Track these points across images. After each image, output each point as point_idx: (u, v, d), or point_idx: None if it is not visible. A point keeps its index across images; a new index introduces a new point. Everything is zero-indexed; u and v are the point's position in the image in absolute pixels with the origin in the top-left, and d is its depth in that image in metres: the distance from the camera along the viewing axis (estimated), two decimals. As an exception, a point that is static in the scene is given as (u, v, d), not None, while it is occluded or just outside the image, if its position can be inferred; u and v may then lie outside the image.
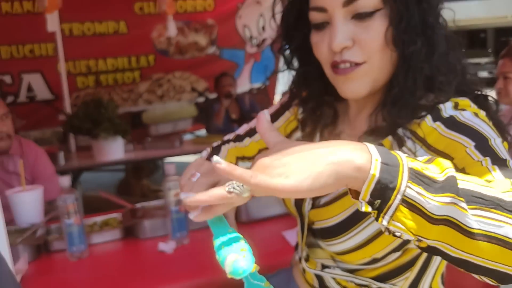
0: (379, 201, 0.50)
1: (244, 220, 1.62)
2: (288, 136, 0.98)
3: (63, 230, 1.43)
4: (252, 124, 1.06)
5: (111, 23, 4.28)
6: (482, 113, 0.73)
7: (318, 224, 0.86)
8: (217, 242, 0.61)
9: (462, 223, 0.49)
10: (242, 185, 0.52)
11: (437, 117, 0.74)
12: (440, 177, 0.50)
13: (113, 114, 3.15)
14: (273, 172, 0.50)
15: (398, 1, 0.72)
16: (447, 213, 0.49)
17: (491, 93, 0.80)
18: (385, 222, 0.50)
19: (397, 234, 0.52)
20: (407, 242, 0.78)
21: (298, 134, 0.96)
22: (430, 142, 0.73)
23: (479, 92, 0.79)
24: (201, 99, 4.68)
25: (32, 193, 1.71)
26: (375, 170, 0.49)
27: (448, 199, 0.49)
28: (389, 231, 0.52)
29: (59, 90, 3.98)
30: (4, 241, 1.15)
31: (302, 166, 0.50)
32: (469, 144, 0.67)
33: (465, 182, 0.51)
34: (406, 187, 0.49)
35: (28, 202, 1.68)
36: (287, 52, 0.88)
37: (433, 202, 0.49)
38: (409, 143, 0.75)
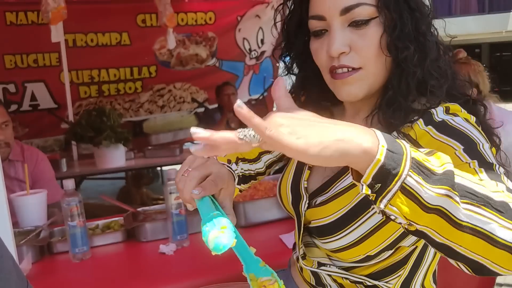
0: (379, 185, 0.53)
1: (243, 224, 1.65)
2: None
3: (67, 232, 1.46)
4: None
5: (114, 34, 4.34)
6: (473, 119, 0.77)
7: (314, 223, 0.89)
8: (203, 225, 0.64)
9: (453, 215, 0.53)
10: (253, 135, 0.53)
11: (429, 121, 0.78)
12: (439, 170, 0.54)
13: (115, 123, 3.19)
14: (285, 130, 0.52)
15: (392, 10, 0.78)
16: (440, 204, 0.53)
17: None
18: (382, 205, 0.54)
19: (392, 217, 0.56)
20: (399, 240, 0.82)
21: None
22: (422, 144, 0.76)
23: (468, 97, 0.84)
24: (200, 109, 4.73)
25: (36, 197, 1.74)
26: (381, 156, 0.52)
27: (443, 191, 0.53)
28: (384, 214, 0.56)
29: (62, 99, 4.04)
30: (11, 242, 1.19)
31: (313, 134, 0.52)
32: (458, 147, 0.71)
33: (461, 177, 0.55)
34: (407, 175, 0.52)
35: (32, 205, 1.71)
36: (288, 58, 0.93)
37: (430, 192, 0.53)
38: None
